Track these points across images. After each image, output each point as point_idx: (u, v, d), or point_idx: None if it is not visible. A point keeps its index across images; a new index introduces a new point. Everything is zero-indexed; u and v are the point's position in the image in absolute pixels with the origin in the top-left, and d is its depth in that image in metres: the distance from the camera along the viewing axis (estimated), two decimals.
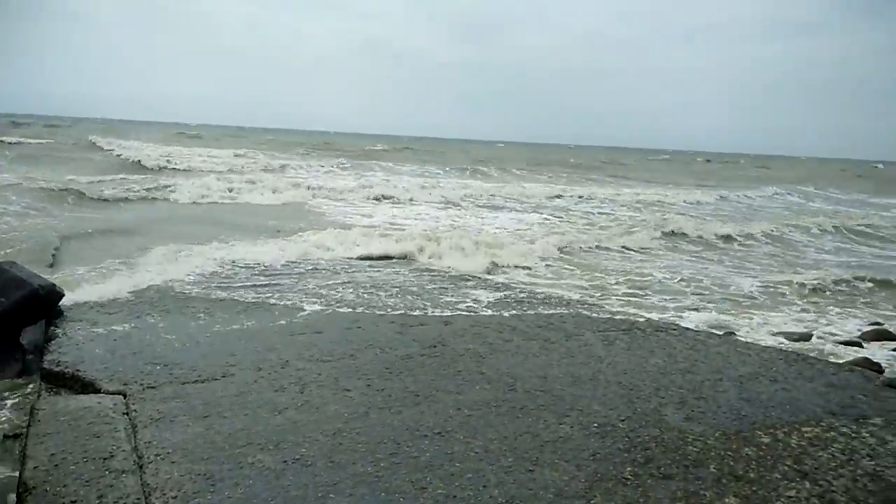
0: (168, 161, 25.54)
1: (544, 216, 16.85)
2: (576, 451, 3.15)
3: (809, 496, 2.83)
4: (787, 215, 20.53)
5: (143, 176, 20.61)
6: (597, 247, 11.32)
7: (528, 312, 5.92)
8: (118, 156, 27.23)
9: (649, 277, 8.96)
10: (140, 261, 7.52)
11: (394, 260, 8.61)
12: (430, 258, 8.88)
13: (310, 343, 4.73)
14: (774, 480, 2.95)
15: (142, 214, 12.89)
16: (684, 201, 22.77)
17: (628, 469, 3.00)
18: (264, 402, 3.61)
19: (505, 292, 6.79)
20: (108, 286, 6.10)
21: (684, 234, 13.29)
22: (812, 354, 5.39)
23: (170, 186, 17.04)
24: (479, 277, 7.77)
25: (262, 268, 7.52)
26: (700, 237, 13.25)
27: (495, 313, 5.86)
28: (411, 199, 18.41)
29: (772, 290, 8.66)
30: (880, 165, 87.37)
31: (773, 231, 14.82)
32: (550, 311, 5.98)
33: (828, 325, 7.02)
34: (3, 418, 3.63)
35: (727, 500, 2.78)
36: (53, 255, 7.97)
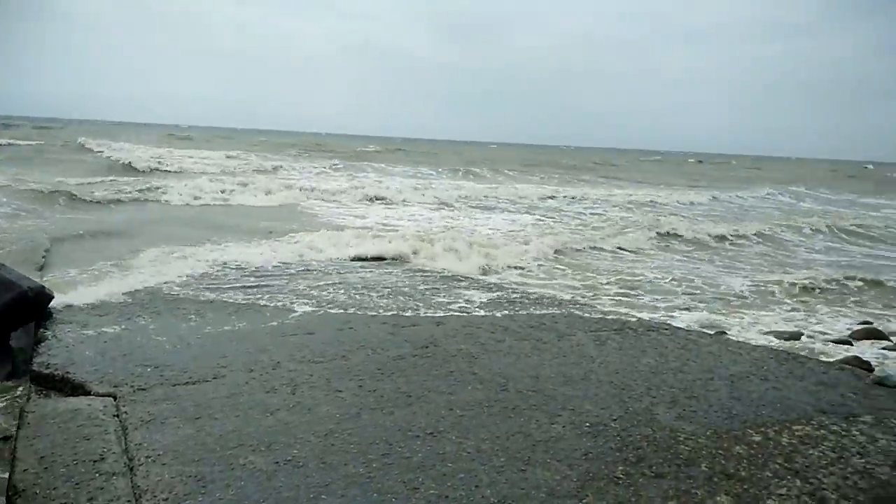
0: (159, 163, 25.43)
1: (537, 217, 16.89)
2: (568, 451, 3.15)
3: (800, 494, 2.85)
4: (778, 215, 20.66)
5: (133, 178, 20.52)
6: (589, 247, 11.35)
7: (521, 313, 5.92)
8: (108, 158, 27.08)
9: (641, 277, 8.99)
10: (131, 263, 7.49)
11: (387, 261, 8.60)
12: (423, 259, 8.88)
13: (301, 344, 4.72)
14: (765, 479, 2.96)
15: (133, 216, 12.83)
16: (677, 202, 22.88)
17: (620, 468, 3.01)
18: (256, 404, 3.60)
19: (497, 293, 6.79)
20: (99, 288, 6.07)
21: (677, 235, 13.35)
22: (803, 353, 5.42)
23: (161, 188, 16.98)
24: (472, 278, 7.78)
25: (254, 269, 7.50)
26: (692, 237, 13.31)
27: (488, 314, 5.86)
28: (404, 201, 18.42)
29: (763, 289, 8.71)
30: (870, 166, 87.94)
31: (765, 231, 14.91)
32: (542, 312, 5.99)
33: (818, 324, 7.07)
34: None
35: (719, 498, 2.79)
36: (44, 257, 7.92)
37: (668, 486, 2.87)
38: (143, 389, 3.76)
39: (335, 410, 3.54)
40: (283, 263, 7.91)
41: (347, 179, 24.48)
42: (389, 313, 5.73)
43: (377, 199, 18.45)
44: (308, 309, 5.78)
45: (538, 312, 5.95)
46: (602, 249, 11.35)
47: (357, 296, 6.36)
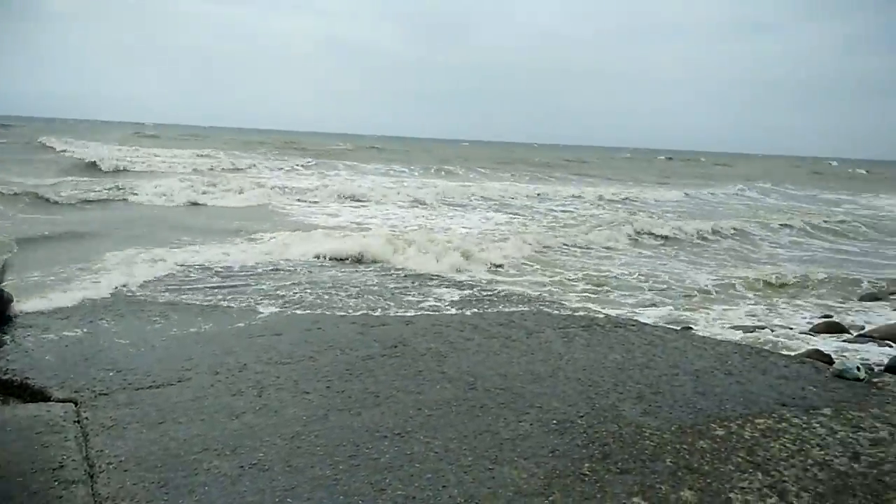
0: (128, 162, 24.96)
1: (509, 214, 16.95)
2: (535, 449, 3.17)
3: (762, 486, 2.90)
4: (747, 211, 21.03)
5: (99, 178, 20.10)
6: (560, 244, 11.43)
7: (490, 311, 5.95)
8: (72, 157, 26.50)
9: (607, 272, 9.09)
10: (96, 265, 7.34)
11: (358, 260, 8.55)
12: (394, 258, 8.85)
13: (269, 346, 4.67)
14: (728, 472, 3.01)
15: (100, 217, 12.57)
16: (649, 199, 23.14)
17: (586, 465, 3.03)
18: (221, 407, 3.55)
19: (468, 291, 6.81)
20: (62, 291, 5.94)
21: (647, 232, 13.51)
22: (766, 347, 5.53)
23: (128, 188, 16.64)
24: (443, 276, 7.78)
25: (222, 270, 7.41)
26: (660, 233, 13.48)
27: (457, 312, 5.87)
28: (376, 199, 18.33)
29: (727, 284, 8.86)
30: (835, 163, 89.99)
31: (734, 227, 15.17)
32: (512, 309, 6.02)
33: (781, 318, 7.21)
34: None
35: (682, 493, 2.83)
36: (5, 260, 7.72)
37: (633, 481, 2.90)
38: (105, 394, 3.69)
39: (302, 412, 3.51)
40: (252, 264, 7.82)
41: (319, 178, 24.32)
42: (359, 313, 5.71)
43: (349, 198, 18.33)
44: (275, 310, 5.73)
45: (507, 310, 5.98)
46: (572, 246, 11.44)
47: (326, 296, 6.33)
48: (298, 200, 17.27)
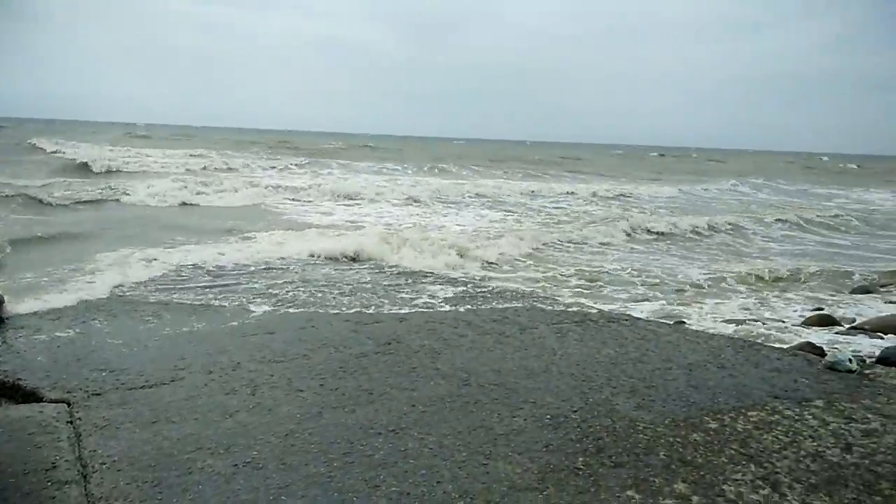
0: (121, 163, 24.86)
1: (503, 211, 16.96)
2: (529, 444, 3.18)
3: (755, 478, 2.92)
4: (741, 206, 21.10)
5: (91, 179, 20.03)
6: (554, 241, 11.45)
7: (484, 307, 5.95)
8: (64, 158, 26.38)
9: (600, 268, 9.11)
10: (89, 265, 7.31)
11: (352, 258, 8.55)
12: (388, 255, 8.84)
13: (262, 344, 4.67)
14: (721, 464, 3.03)
15: (93, 218, 12.51)
16: (643, 195, 23.20)
17: (580, 459, 3.04)
18: (215, 406, 3.55)
19: (461, 287, 6.81)
20: (54, 292, 5.91)
21: (642, 227, 13.55)
22: (758, 341, 5.55)
23: (121, 189, 16.59)
24: (437, 273, 7.78)
25: (215, 269, 7.39)
26: (654, 229, 13.52)
27: (451, 309, 5.87)
28: (370, 197, 18.31)
29: (719, 278, 8.89)
30: (825, 158, 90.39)
31: (727, 221, 15.22)
32: (505, 305, 6.02)
33: (773, 311, 7.24)
34: None
35: (676, 485, 2.84)
36: None
37: (626, 475, 2.91)
38: (98, 394, 3.68)
39: (296, 410, 3.51)
40: (245, 263, 7.80)
41: (312, 177, 24.25)
42: (352, 311, 5.70)
43: (343, 196, 18.31)
44: (269, 308, 5.72)
45: (501, 306, 5.98)
46: (566, 242, 11.46)
47: (319, 294, 6.32)
48: (292, 199, 17.24)
